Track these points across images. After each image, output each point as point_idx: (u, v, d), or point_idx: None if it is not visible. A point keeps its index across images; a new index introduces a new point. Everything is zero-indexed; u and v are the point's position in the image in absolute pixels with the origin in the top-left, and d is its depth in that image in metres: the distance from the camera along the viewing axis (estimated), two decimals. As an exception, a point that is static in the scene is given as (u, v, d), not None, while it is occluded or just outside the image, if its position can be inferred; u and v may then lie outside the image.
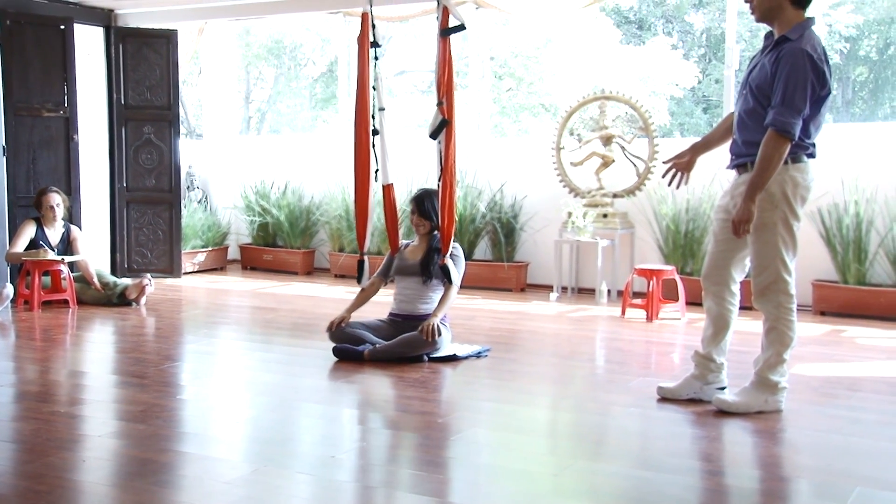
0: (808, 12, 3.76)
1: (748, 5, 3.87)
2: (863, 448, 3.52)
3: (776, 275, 3.82)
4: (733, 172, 3.98)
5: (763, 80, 3.76)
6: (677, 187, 4.21)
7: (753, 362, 4.00)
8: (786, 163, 3.75)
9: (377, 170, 5.20)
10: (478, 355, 5.06)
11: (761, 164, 3.70)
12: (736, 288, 4.06)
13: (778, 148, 3.67)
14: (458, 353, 5.00)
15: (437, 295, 5.12)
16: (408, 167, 7.56)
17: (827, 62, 3.70)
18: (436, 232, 5.14)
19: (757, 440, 3.63)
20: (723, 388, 4.10)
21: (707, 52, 10.46)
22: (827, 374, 4.78)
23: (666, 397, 4.14)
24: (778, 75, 3.67)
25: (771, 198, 3.78)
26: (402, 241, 5.36)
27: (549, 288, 7.51)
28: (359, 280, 5.31)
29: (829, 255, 6.56)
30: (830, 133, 7.24)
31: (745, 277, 4.08)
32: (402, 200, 6.80)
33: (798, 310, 6.66)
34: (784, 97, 3.65)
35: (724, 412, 3.91)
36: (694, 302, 6.29)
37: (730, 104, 7.26)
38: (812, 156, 3.84)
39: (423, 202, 5.14)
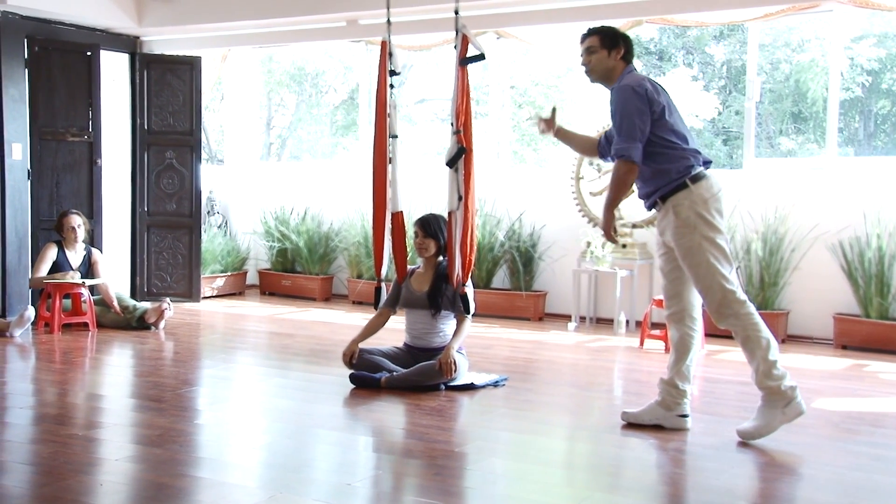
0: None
1: (584, 68, 4.21)
2: (886, 486, 3.47)
3: (721, 291, 3.94)
4: (654, 211, 4.20)
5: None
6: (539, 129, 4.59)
7: (752, 380, 4.00)
8: (687, 186, 3.97)
9: (390, 197, 5.21)
10: (495, 384, 5.04)
11: (611, 187, 4.07)
12: (696, 313, 4.15)
13: (624, 174, 4.00)
14: (475, 382, 4.98)
15: (448, 326, 5.09)
16: (426, 195, 7.58)
17: (652, 84, 4.03)
18: (441, 258, 5.13)
19: (778, 476, 3.58)
20: (685, 416, 4.14)
21: (727, 83, 10.46)
22: (849, 409, 4.73)
23: (629, 422, 4.21)
24: (614, 114, 4.07)
25: (686, 222, 3.97)
26: (409, 267, 5.31)
27: (568, 317, 7.49)
28: (376, 307, 5.31)
29: (851, 289, 6.50)
30: (852, 166, 7.22)
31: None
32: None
33: (819, 343, 6.64)
34: (619, 130, 4.01)
35: (748, 442, 3.91)
36: (712, 333, 6.25)
37: (750, 136, 7.26)
38: (708, 163, 4.07)
39: (429, 223, 5.12)
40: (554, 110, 4.51)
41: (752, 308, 3.96)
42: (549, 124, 4.52)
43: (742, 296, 3.96)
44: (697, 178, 3.98)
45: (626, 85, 4.01)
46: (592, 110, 7.71)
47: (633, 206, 7.31)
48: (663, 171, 3.99)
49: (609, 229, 4.17)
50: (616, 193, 4.07)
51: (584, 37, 4.20)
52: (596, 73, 4.18)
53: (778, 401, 3.91)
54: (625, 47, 4.14)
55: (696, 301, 4.13)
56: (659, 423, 4.15)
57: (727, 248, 4.00)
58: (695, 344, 4.16)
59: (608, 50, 4.13)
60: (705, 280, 3.95)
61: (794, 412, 3.91)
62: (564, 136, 4.57)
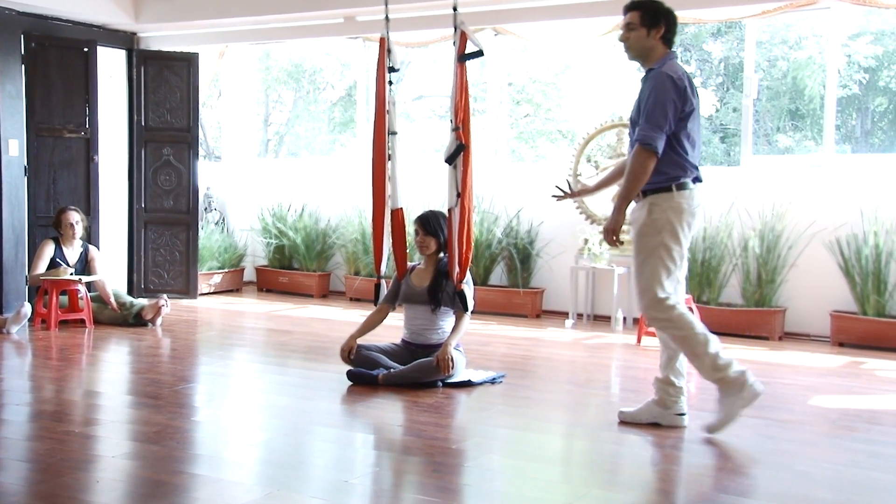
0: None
1: (623, 44, 4.08)
2: (883, 483, 3.47)
3: (653, 297, 3.95)
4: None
5: (639, 110, 3.98)
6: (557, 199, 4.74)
7: (701, 377, 4.03)
8: (670, 189, 3.93)
9: (390, 194, 5.22)
10: (492, 381, 5.04)
11: (628, 177, 3.91)
12: (682, 308, 4.10)
13: (643, 162, 3.86)
14: (472, 379, 4.97)
15: (447, 322, 5.09)
16: (424, 191, 7.58)
17: (689, 82, 3.93)
18: (442, 254, 5.13)
19: (775, 473, 3.58)
20: (682, 415, 4.13)
21: (725, 80, 10.45)
22: (845, 406, 4.73)
23: (626, 422, 4.19)
24: (645, 98, 3.92)
25: (654, 223, 3.94)
26: (409, 264, 5.33)
27: (565, 314, 7.49)
28: (375, 303, 5.31)
29: (848, 286, 6.51)
30: (849, 163, 7.22)
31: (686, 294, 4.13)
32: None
33: (816, 340, 6.64)
34: (647, 115, 3.87)
35: (714, 435, 3.93)
36: (710, 331, 6.23)
37: (748, 133, 7.26)
38: (698, 180, 4.01)
39: (429, 221, 5.12)
40: (559, 188, 4.67)
41: (683, 308, 3.97)
42: (580, 192, 4.65)
43: (672, 301, 3.94)
44: (682, 188, 3.95)
45: (666, 73, 3.88)
46: (590, 108, 7.70)
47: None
48: (658, 170, 3.92)
49: (618, 229, 3.99)
50: (633, 185, 3.90)
51: (626, 10, 4.04)
52: (633, 52, 4.04)
53: (732, 388, 3.90)
54: (666, 26, 3.97)
55: (681, 296, 4.10)
56: (656, 421, 4.15)
57: (679, 262, 3.98)
58: None
59: (648, 28, 3.96)
60: (646, 282, 3.95)
61: (752, 394, 3.89)
62: (598, 187, 4.65)
